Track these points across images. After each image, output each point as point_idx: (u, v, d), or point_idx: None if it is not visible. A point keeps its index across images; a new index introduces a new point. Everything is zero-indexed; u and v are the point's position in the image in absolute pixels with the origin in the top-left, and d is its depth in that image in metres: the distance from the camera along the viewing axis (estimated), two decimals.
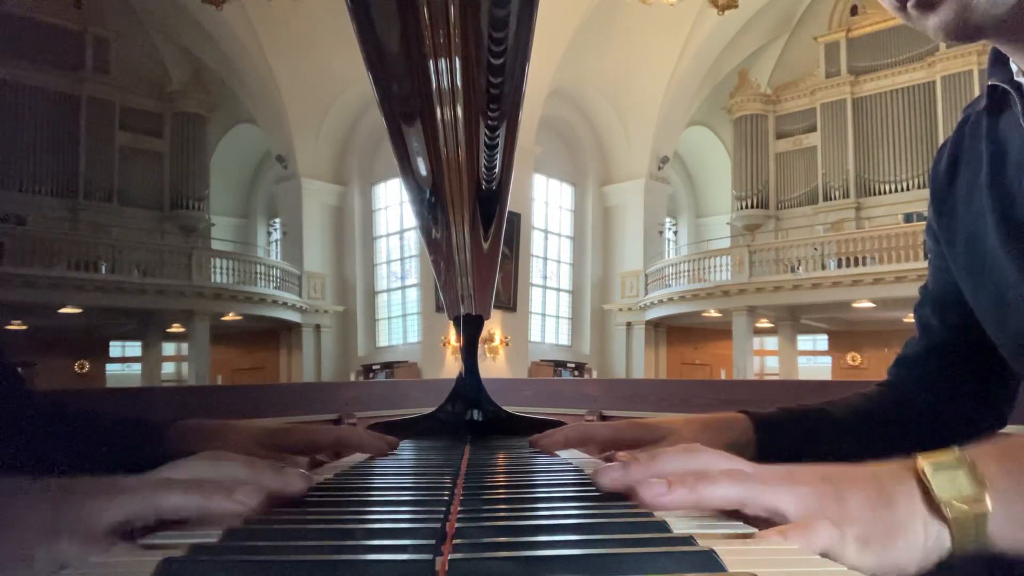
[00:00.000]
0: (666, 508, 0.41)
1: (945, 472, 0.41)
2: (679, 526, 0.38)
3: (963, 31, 0.56)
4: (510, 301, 13.35)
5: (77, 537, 0.36)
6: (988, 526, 0.40)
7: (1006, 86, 0.67)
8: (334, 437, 0.71)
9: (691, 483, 0.41)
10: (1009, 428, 0.85)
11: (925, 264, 0.88)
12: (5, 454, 0.60)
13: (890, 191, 15.15)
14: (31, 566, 0.35)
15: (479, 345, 1.16)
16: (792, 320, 15.70)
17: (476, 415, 1.08)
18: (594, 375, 15.87)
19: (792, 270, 14.63)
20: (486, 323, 1.16)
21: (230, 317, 14.88)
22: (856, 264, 13.88)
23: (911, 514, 0.41)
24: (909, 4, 0.57)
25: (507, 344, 13.10)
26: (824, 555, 0.38)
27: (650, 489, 0.41)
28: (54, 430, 0.67)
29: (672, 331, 17.33)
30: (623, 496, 0.45)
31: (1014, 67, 0.66)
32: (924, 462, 0.42)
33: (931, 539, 0.41)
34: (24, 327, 13.20)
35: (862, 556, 0.40)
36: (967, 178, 0.73)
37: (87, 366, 15.15)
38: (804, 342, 16.73)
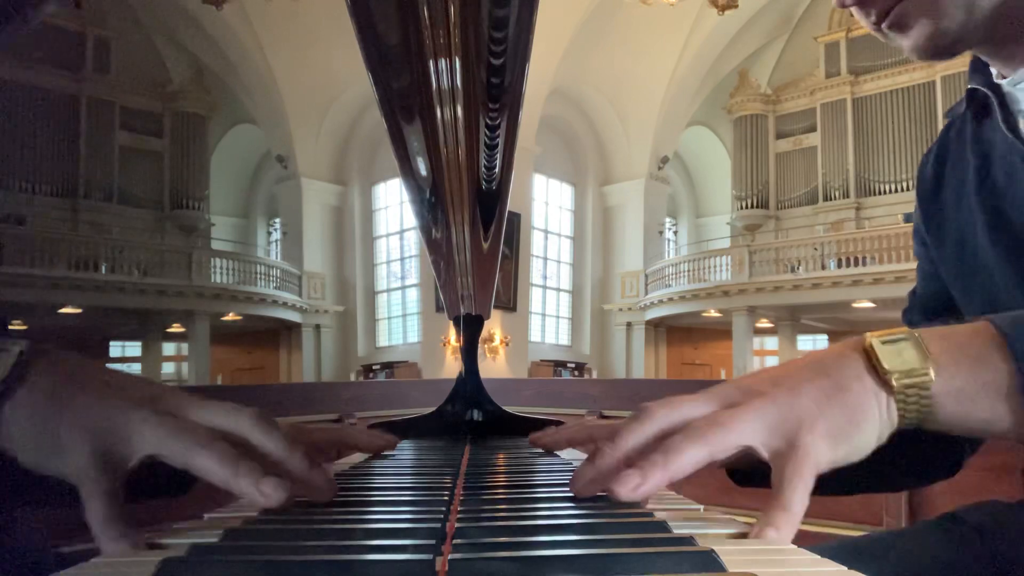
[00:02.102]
0: (647, 496, 0.41)
1: (892, 345, 0.43)
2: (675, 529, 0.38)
3: (935, 53, 0.59)
4: (510, 301, 13.35)
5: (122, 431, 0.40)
6: (933, 399, 0.42)
7: (986, 90, 0.67)
8: (333, 437, 0.71)
9: (661, 461, 0.41)
10: None
11: None
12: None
13: (890, 191, 15.15)
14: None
15: (479, 345, 1.16)
16: (792, 320, 15.70)
17: (476, 415, 1.08)
18: (594, 375, 15.87)
19: (792, 270, 14.63)
20: (486, 323, 1.16)
21: (230, 317, 14.89)
22: (856, 264, 13.89)
23: (863, 391, 0.42)
24: (884, 24, 0.60)
25: (507, 344, 13.10)
26: (812, 469, 0.40)
27: (625, 484, 0.40)
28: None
29: (672, 331, 17.33)
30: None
31: (993, 70, 0.67)
32: (872, 337, 0.44)
33: (883, 412, 0.43)
34: (24, 327, 13.20)
35: (835, 451, 0.42)
36: (954, 182, 0.74)
37: None
38: (804, 342, 16.73)
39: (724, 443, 0.41)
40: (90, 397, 0.41)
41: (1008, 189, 0.65)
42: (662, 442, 0.42)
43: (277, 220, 17.12)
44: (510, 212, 0.90)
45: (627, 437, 0.44)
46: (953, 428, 0.44)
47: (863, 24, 0.63)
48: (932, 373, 0.42)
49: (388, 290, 16.04)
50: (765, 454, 0.42)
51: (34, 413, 0.40)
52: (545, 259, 16.60)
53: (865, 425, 0.42)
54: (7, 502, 0.48)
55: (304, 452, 0.45)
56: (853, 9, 0.62)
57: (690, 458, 0.41)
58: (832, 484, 0.46)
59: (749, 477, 0.55)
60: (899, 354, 0.43)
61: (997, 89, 0.66)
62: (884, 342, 0.43)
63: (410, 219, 13.91)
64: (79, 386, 0.41)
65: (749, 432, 0.42)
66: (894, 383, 0.42)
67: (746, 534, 0.39)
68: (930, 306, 0.82)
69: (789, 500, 0.40)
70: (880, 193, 15.33)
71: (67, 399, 0.40)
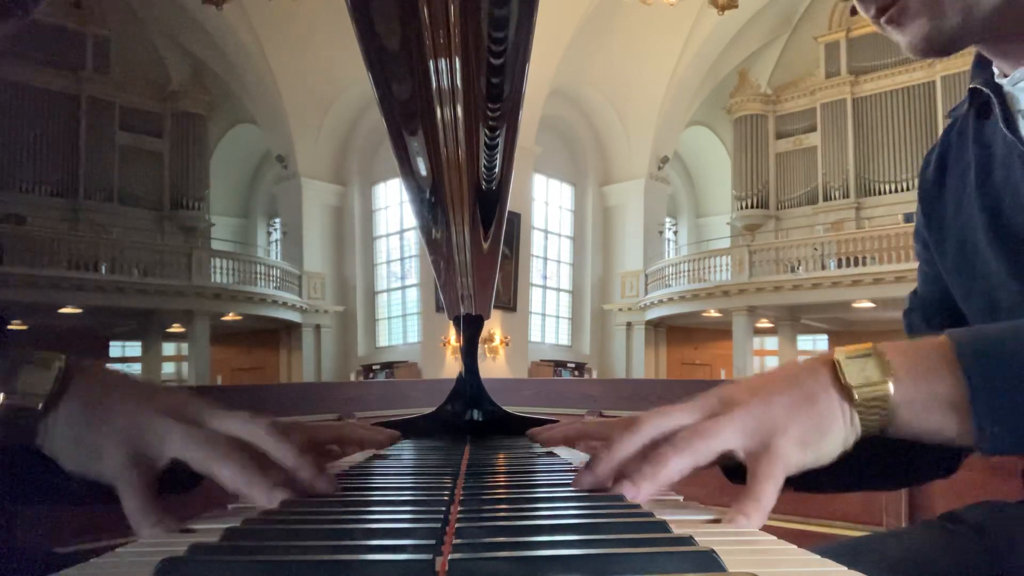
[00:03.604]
0: (640, 502, 0.46)
1: (856, 361, 0.47)
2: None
3: (932, 51, 0.60)
4: (510, 301, 13.35)
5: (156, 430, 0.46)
6: (891, 409, 0.46)
7: (987, 89, 0.67)
8: (335, 434, 0.71)
9: (650, 472, 0.46)
10: None
11: None
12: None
13: (890, 191, 15.14)
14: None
15: (479, 345, 1.16)
16: (792, 320, 15.70)
17: (476, 415, 1.08)
18: (594, 375, 15.87)
19: (792, 270, 14.63)
20: (486, 323, 1.16)
21: (230, 317, 14.88)
22: (856, 264, 13.89)
23: (830, 402, 0.47)
24: (882, 19, 0.59)
25: (507, 344, 13.10)
26: (784, 469, 0.45)
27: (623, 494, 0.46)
28: None
29: (672, 331, 17.33)
30: (622, 496, 0.46)
31: (996, 69, 0.66)
32: (839, 352, 0.48)
33: (847, 421, 0.47)
34: (24, 327, 13.19)
35: (804, 455, 0.46)
36: (955, 182, 0.73)
37: None
38: (804, 342, 16.73)
39: (706, 451, 0.47)
40: (125, 407, 0.46)
41: (1007, 189, 0.65)
42: (652, 450, 0.48)
43: (277, 220, 17.12)
44: (510, 212, 0.90)
45: (620, 448, 0.49)
46: (910, 435, 0.48)
47: (864, 15, 0.62)
48: (891, 386, 0.46)
49: (388, 290, 16.03)
50: (742, 455, 0.47)
51: (75, 423, 0.45)
52: (545, 259, 16.59)
53: (831, 432, 0.47)
54: (48, 500, 0.54)
55: (312, 459, 0.50)
56: (855, 1, 0.62)
57: (676, 467, 0.46)
58: (832, 481, 0.48)
59: (738, 472, 0.56)
60: (862, 369, 0.47)
61: (998, 89, 0.66)
62: (849, 357, 0.47)
63: (410, 219, 13.91)
64: (114, 397, 0.46)
65: (729, 439, 0.47)
66: (856, 396, 0.46)
67: (719, 520, 0.43)
68: (931, 307, 0.81)
69: (760, 493, 0.44)
70: (880, 193, 15.32)
71: (104, 410, 0.46)
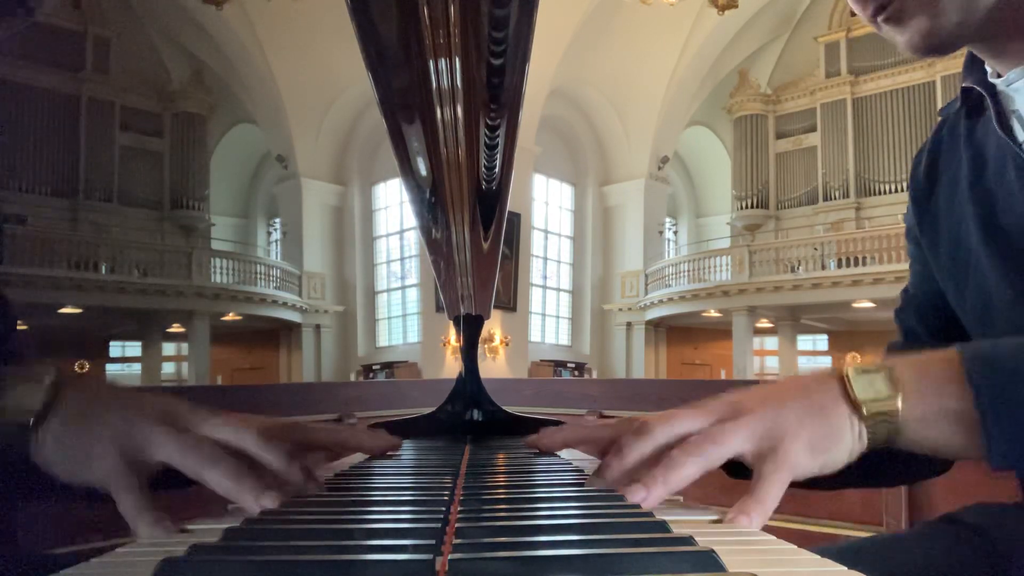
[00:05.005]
0: (651, 506, 0.46)
1: (866, 376, 0.48)
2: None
3: (931, 49, 0.60)
4: (510, 301, 13.35)
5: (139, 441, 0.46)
6: (899, 424, 0.47)
7: (979, 88, 0.67)
8: (336, 438, 0.70)
9: (661, 477, 0.46)
10: None
11: None
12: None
13: (890, 191, 15.15)
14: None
15: (479, 345, 1.16)
16: (792, 320, 15.70)
17: (476, 415, 1.08)
18: (594, 375, 15.87)
19: (792, 270, 14.63)
20: (486, 323, 1.16)
21: (230, 317, 14.88)
22: (856, 264, 13.89)
23: (839, 416, 0.47)
24: (880, 17, 0.59)
25: (507, 344, 13.10)
26: (789, 472, 0.46)
27: (632, 497, 0.46)
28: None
29: (672, 331, 17.33)
30: (622, 496, 0.46)
31: (988, 68, 0.66)
32: (849, 367, 0.48)
33: (855, 434, 0.47)
34: (24, 327, 13.15)
35: (812, 462, 0.47)
36: (947, 181, 0.73)
37: (87, 366, 15.11)
38: (804, 342, 16.73)
39: (718, 456, 0.47)
40: (114, 417, 0.47)
41: (1000, 189, 0.65)
42: (663, 455, 0.48)
43: (277, 220, 17.12)
44: (510, 212, 0.90)
45: (632, 453, 0.50)
46: (917, 449, 0.48)
47: (859, 16, 0.62)
48: (899, 402, 0.47)
49: (388, 290, 16.04)
50: (751, 459, 0.48)
51: (67, 435, 0.45)
52: (545, 259, 16.59)
53: (840, 443, 0.48)
54: (45, 499, 0.54)
55: (300, 465, 0.50)
56: (850, 1, 0.62)
57: (688, 471, 0.47)
58: (829, 479, 0.50)
59: (740, 469, 0.56)
60: (871, 384, 0.47)
61: (991, 88, 0.66)
62: (859, 372, 0.48)
63: (410, 219, 13.91)
64: (103, 408, 0.47)
65: (740, 444, 0.47)
66: (865, 410, 0.47)
67: (719, 520, 0.44)
68: (923, 306, 0.81)
69: (765, 495, 0.45)
70: (880, 193, 15.32)
71: (94, 421, 0.46)
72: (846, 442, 0.47)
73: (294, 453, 0.52)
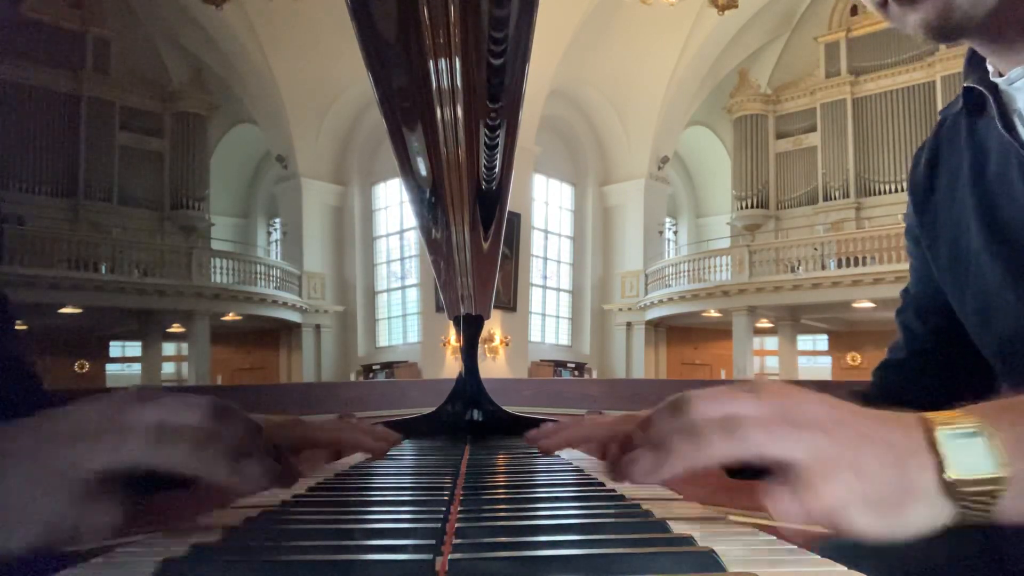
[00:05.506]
0: (674, 477, 0.39)
1: (961, 441, 0.38)
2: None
3: (943, 30, 0.57)
4: (510, 301, 13.35)
5: (62, 489, 0.34)
6: (999, 503, 0.38)
7: (981, 88, 0.66)
8: (335, 436, 0.70)
9: (691, 453, 0.38)
10: None
11: None
12: None
13: (890, 191, 15.14)
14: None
15: (479, 345, 1.16)
16: (792, 320, 15.70)
17: (476, 415, 1.08)
18: (594, 375, 15.88)
19: (792, 270, 14.63)
20: (486, 323, 1.16)
21: (230, 317, 14.88)
22: (856, 264, 13.89)
23: (922, 486, 0.38)
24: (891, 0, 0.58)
25: (507, 344, 13.10)
26: (830, 514, 0.36)
27: (641, 466, 0.39)
28: None
29: (672, 331, 17.33)
30: (622, 496, 0.46)
31: (990, 67, 0.66)
32: (940, 431, 0.38)
33: (937, 511, 0.38)
34: (24, 327, 13.17)
35: (866, 518, 0.37)
36: (947, 180, 0.73)
37: (87, 366, 15.14)
38: (804, 342, 16.73)
39: (759, 450, 0.38)
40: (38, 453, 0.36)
41: (1002, 188, 0.64)
42: (693, 429, 0.39)
43: (277, 220, 17.12)
44: (510, 212, 0.90)
45: (659, 425, 0.41)
46: (1008, 524, 0.39)
47: (868, 4, 0.61)
48: (1006, 481, 0.37)
49: (388, 290, 16.04)
50: (783, 471, 0.38)
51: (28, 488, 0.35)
52: (545, 259, 16.59)
53: (910, 514, 0.38)
54: None
55: (286, 466, 0.43)
56: None
57: (720, 452, 0.38)
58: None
59: (739, 469, 0.55)
60: (968, 453, 0.38)
61: (993, 87, 0.65)
62: (952, 437, 0.38)
63: (410, 219, 13.91)
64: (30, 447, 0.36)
65: (792, 449, 0.38)
66: (960, 489, 0.37)
67: (720, 520, 0.41)
68: (923, 305, 0.81)
69: (800, 520, 0.37)
70: (880, 193, 15.32)
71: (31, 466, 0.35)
72: (921, 515, 0.38)
73: (255, 452, 0.40)
